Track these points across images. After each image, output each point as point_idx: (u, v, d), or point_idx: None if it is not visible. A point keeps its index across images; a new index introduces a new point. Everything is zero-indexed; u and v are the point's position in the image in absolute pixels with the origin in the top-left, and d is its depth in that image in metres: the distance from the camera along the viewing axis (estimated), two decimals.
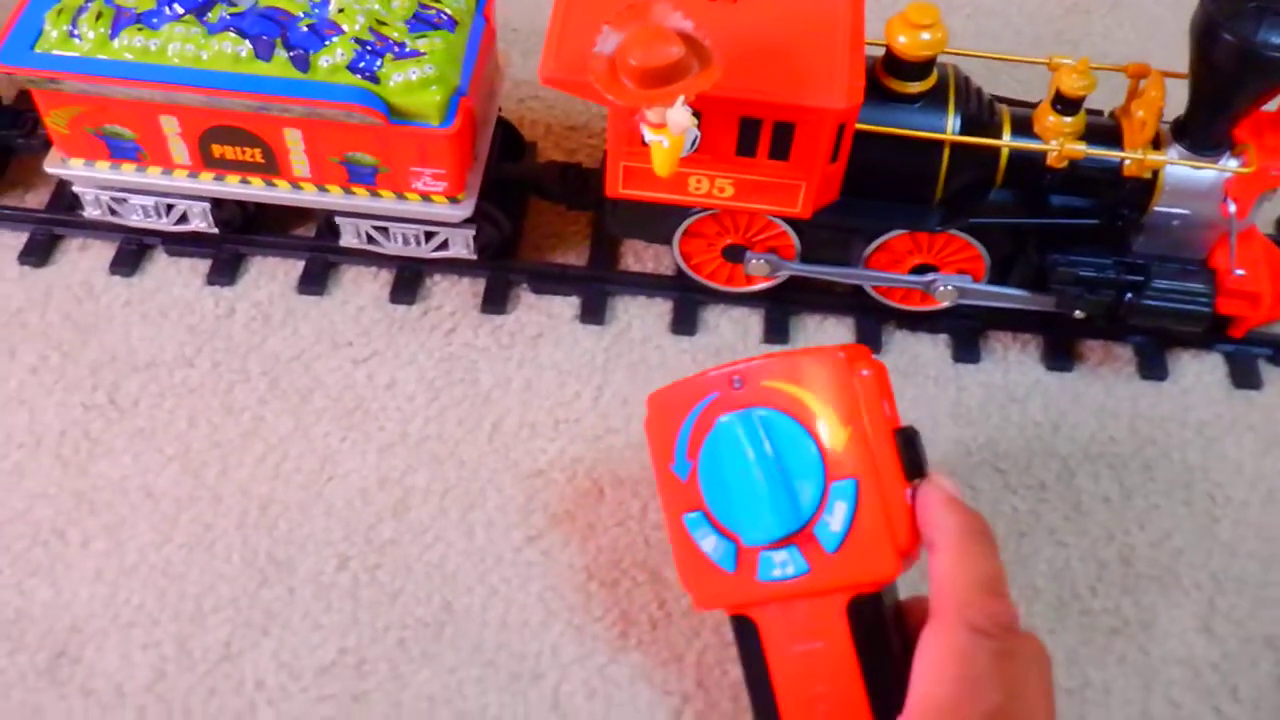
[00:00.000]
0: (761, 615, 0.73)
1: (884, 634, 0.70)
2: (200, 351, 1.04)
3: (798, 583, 0.70)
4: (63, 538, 0.93)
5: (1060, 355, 1.06)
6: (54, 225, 1.10)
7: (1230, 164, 0.95)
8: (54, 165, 1.03)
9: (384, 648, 0.89)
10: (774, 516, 0.69)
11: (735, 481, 0.71)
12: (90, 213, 1.07)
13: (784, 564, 0.70)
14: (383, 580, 0.92)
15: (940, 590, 0.67)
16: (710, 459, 0.72)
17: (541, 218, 1.14)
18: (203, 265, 1.09)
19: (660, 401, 0.76)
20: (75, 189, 1.05)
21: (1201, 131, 0.94)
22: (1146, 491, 0.98)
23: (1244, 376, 1.05)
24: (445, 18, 0.97)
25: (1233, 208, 0.95)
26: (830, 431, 0.70)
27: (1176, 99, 0.95)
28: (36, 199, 1.13)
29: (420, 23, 0.96)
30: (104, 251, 1.09)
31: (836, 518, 0.69)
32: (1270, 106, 0.94)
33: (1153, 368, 1.05)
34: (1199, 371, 1.06)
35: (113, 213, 1.06)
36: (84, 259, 1.09)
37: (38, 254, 1.09)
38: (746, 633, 0.74)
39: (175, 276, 1.08)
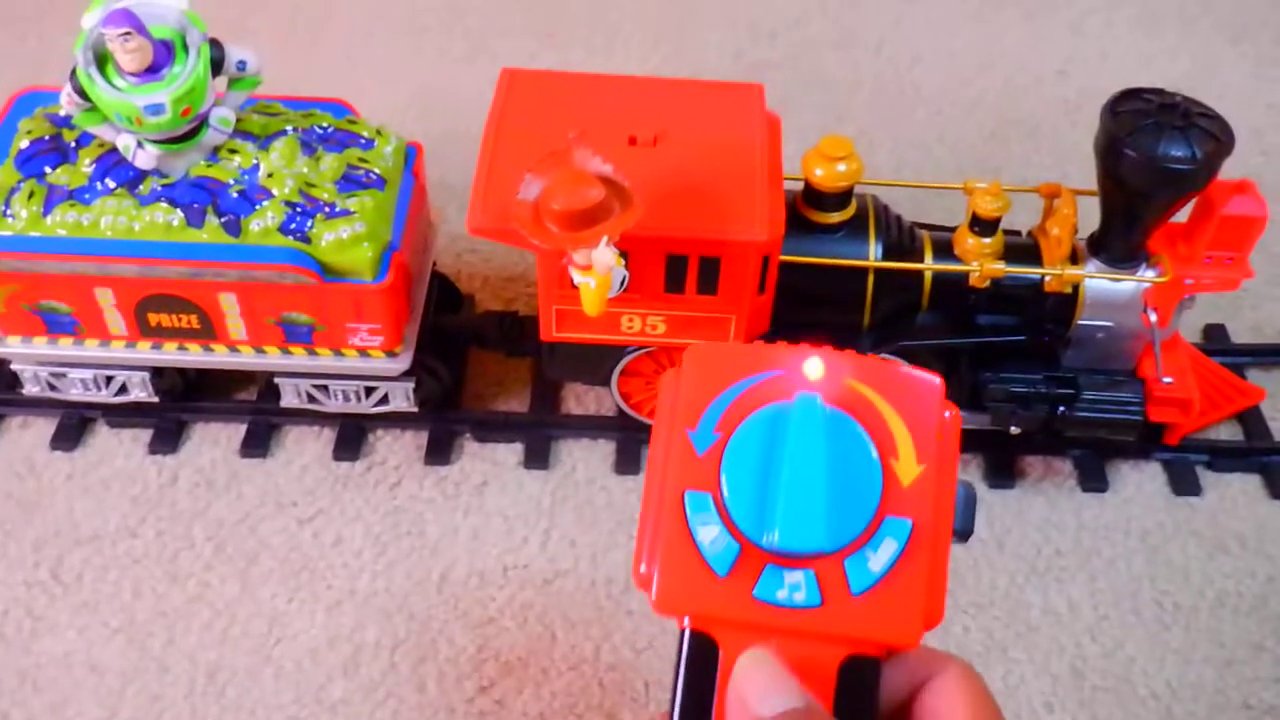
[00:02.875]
0: (730, 641, 0.57)
1: (871, 713, 0.57)
2: (144, 521, 1.03)
3: (800, 616, 0.56)
4: (5, 719, 0.91)
5: (1002, 472, 1.07)
6: None
7: (1147, 275, 0.97)
8: None
9: None
10: (810, 525, 0.55)
11: (776, 474, 0.56)
12: (29, 390, 1.07)
13: (794, 587, 0.56)
14: None
15: None
16: (750, 439, 0.58)
17: (482, 367, 1.16)
18: (144, 435, 1.09)
19: (703, 357, 0.59)
20: (14, 367, 1.05)
21: (1116, 245, 0.97)
22: (1095, 603, 0.99)
23: (1183, 483, 1.07)
24: (374, 177, 0.99)
25: (1154, 317, 0.97)
26: (903, 461, 0.57)
27: (1094, 216, 0.98)
28: None
29: (349, 183, 0.98)
30: (45, 428, 1.09)
31: (880, 556, 0.55)
32: (1180, 218, 0.97)
33: (1093, 479, 1.07)
34: (1139, 481, 1.07)
35: (52, 388, 1.06)
36: (25, 436, 1.09)
37: None
38: (701, 655, 0.57)
39: (117, 448, 1.08)
